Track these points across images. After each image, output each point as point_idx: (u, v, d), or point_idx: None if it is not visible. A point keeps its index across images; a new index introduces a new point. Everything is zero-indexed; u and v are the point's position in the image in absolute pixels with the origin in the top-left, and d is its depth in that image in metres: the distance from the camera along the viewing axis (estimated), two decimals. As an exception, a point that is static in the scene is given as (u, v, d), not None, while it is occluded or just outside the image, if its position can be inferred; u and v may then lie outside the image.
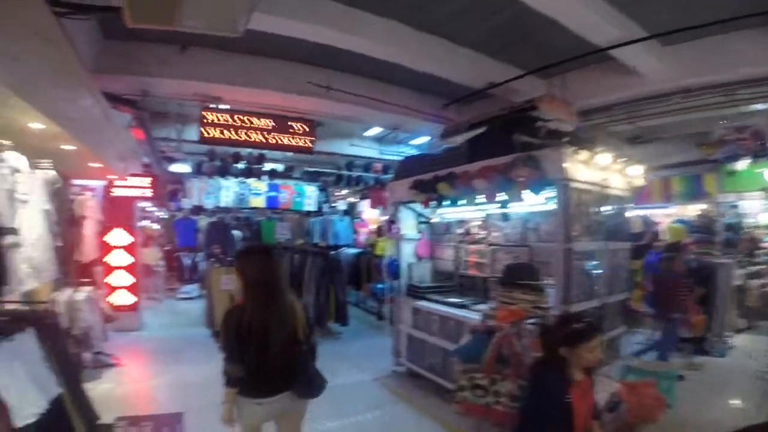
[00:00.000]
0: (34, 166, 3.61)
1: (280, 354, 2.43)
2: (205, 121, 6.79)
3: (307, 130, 7.65)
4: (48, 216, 3.25)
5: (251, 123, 7.15)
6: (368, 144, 10.49)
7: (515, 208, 4.62)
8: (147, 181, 7.70)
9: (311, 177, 12.80)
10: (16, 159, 2.94)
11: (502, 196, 3.98)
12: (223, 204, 11.61)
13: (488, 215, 5.32)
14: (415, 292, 5.52)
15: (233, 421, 2.51)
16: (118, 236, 7.60)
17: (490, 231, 5.35)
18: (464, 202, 4.55)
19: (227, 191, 11.67)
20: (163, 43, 5.67)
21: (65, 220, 4.08)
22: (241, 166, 9.82)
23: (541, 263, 4.12)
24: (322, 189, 12.80)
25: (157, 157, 7.91)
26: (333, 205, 13.06)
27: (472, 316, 4.33)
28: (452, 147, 5.19)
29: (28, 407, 2.77)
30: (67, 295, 5.12)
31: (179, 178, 11.84)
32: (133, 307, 7.74)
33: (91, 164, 4.82)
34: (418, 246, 5.93)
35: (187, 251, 10.30)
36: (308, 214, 13.26)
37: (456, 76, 6.73)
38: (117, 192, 7.48)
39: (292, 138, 7.47)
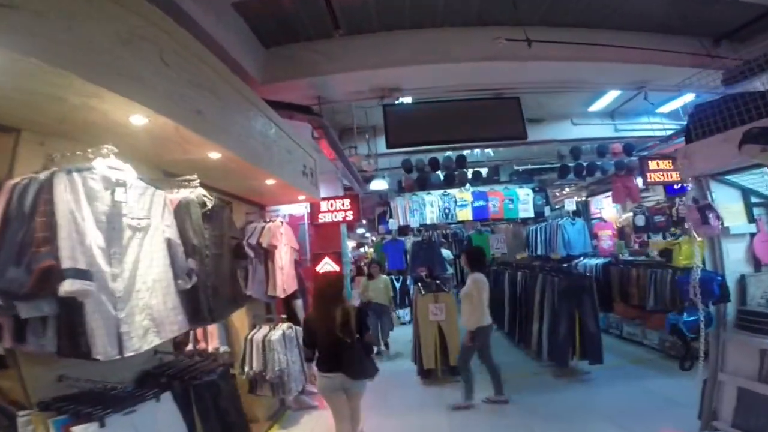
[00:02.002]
0: (179, 184, 2.91)
1: (330, 345, 3.37)
2: (388, 122, 5.68)
3: (513, 111, 5.76)
4: (174, 248, 2.36)
5: (442, 114, 5.73)
6: (596, 120, 7.82)
7: None
8: (347, 202, 7.19)
9: (523, 178, 10.77)
10: (114, 168, 2.11)
11: None
12: (428, 221, 10.69)
13: None
14: (760, 322, 3.20)
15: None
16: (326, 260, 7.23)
17: None
18: None
19: (431, 207, 10.70)
20: (324, 39, 4.76)
21: (231, 251, 3.30)
22: (441, 175, 8.56)
23: None
24: (539, 189, 10.53)
25: (354, 175, 7.32)
26: (557, 207, 10.56)
27: None
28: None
29: None
30: (262, 334, 4.46)
31: (386, 200, 11.53)
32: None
33: (266, 181, 4.10)
34: (754, 245, 3.42)
35: (396, 274, 9.59)
36: (523, 222, 11.16)
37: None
38: (322, 218, 7.15)
39: (496, 124, 5.69)
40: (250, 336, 4.47)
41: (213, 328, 4.46)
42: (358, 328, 3.43)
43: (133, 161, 2.38)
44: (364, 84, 5.23)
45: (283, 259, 4.80)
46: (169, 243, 2.31)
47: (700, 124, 3.50)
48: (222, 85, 2.89)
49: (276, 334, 4.48)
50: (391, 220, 10.50)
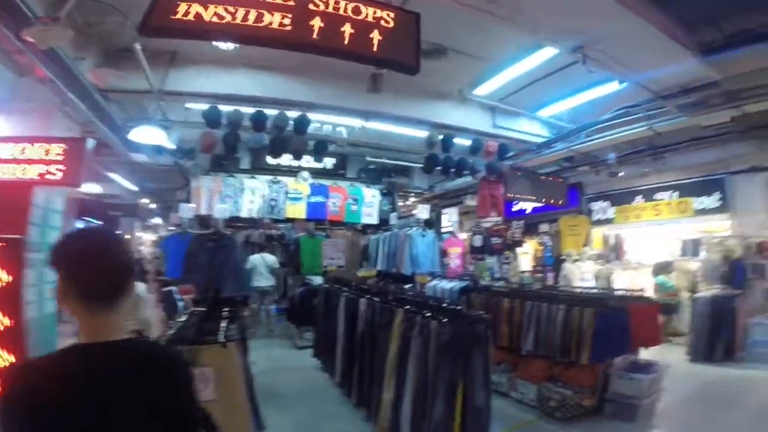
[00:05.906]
0: None
1: None
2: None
3: (401, 21, 3.04)
4: None
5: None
6: (477, 109, 5.83)
7: None
8: (55, 149, 3.32)
9: (372, 177, 8.41)
10: None
11: None
12: (245, 213, 7.33)
13: None
14: None
15: None
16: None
17: None
18: None
19: (252, 195, 7.40)
20: None
21: None
22: (265, 140, 5.30)
23: None
24: (387, 193, 8.25)
25: (91, 98, 3.55)
26: (404, 215, 8.41)
27: None
28: None
29: None
30: None
31: (186, 177, 7.68)
32: None
33: None
34: None
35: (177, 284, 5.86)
36: (363, 229, 8.71)
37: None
38: None
39: (369, 37, 2.86)
40: None
41: None
42: None
43: None
44: None
45: None
46: None
47: None
48: None
49: None
50: (188, 205, 6.75)
